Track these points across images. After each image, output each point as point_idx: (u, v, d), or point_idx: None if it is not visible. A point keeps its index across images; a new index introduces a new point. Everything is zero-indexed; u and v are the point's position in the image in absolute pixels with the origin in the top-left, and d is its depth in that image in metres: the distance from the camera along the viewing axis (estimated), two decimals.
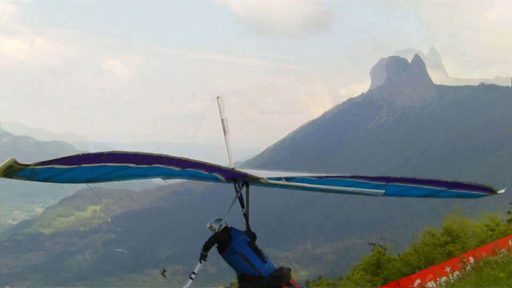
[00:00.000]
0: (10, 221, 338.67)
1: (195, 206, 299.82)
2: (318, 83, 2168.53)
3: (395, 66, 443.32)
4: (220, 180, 9.25)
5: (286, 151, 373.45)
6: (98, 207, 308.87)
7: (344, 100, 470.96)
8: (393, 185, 10.20)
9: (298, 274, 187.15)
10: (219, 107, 10.12)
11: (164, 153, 8.06)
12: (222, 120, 9.92)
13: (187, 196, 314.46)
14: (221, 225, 9.35)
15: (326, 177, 10.12)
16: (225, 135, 9.99)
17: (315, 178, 10.14)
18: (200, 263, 9.22)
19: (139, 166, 8.10)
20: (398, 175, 9.88)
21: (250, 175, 9.24)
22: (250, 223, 10.03)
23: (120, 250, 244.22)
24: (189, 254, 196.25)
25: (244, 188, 9.94)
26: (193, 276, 9.22)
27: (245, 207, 9.83)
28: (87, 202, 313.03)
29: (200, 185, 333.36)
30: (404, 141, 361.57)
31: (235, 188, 9.64)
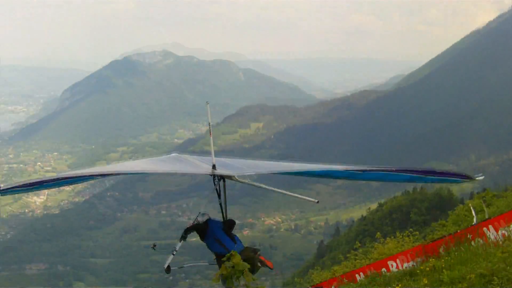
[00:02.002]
0: (175, 140, 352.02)
1: (355, 120, 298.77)
2: None
3: None
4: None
5: (448, 63, 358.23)
6: (261, 124, 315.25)
7: (510, 7, 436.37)
8: (371, 172, 11.22)
9: (462, 187, 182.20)
10: (207, 112, 11.65)
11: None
12: (209, 123, 11.48)
13: (348, 111, 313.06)
14: (203, 218, 11.07)
15: (299, 171, 11.83)
16: (210, 135, 11.63)
17: (292, 171, 11.86)
18: (180, 242, 10.74)
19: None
20: (375, 166, 10.70)
21: (222, 174, 10.70)
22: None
23: None
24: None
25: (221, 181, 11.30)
26: (174, 252, 10.70)
27: (221, 198, 11.33)
28: (250, 119, 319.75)
29: (362, 100, 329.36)
30: None
31: (213, 182, 11.05)
